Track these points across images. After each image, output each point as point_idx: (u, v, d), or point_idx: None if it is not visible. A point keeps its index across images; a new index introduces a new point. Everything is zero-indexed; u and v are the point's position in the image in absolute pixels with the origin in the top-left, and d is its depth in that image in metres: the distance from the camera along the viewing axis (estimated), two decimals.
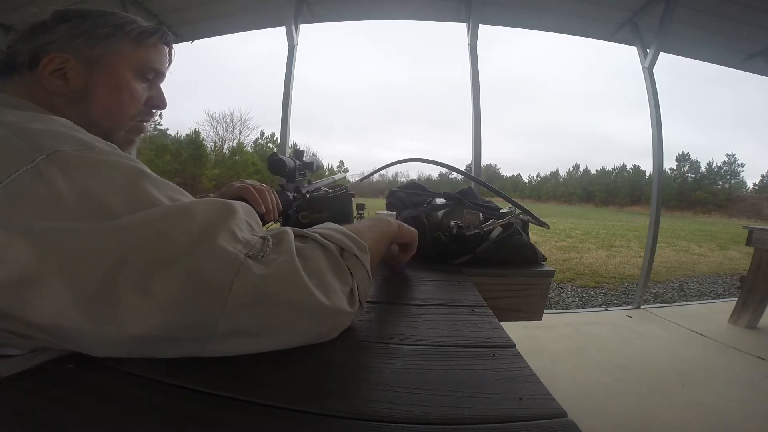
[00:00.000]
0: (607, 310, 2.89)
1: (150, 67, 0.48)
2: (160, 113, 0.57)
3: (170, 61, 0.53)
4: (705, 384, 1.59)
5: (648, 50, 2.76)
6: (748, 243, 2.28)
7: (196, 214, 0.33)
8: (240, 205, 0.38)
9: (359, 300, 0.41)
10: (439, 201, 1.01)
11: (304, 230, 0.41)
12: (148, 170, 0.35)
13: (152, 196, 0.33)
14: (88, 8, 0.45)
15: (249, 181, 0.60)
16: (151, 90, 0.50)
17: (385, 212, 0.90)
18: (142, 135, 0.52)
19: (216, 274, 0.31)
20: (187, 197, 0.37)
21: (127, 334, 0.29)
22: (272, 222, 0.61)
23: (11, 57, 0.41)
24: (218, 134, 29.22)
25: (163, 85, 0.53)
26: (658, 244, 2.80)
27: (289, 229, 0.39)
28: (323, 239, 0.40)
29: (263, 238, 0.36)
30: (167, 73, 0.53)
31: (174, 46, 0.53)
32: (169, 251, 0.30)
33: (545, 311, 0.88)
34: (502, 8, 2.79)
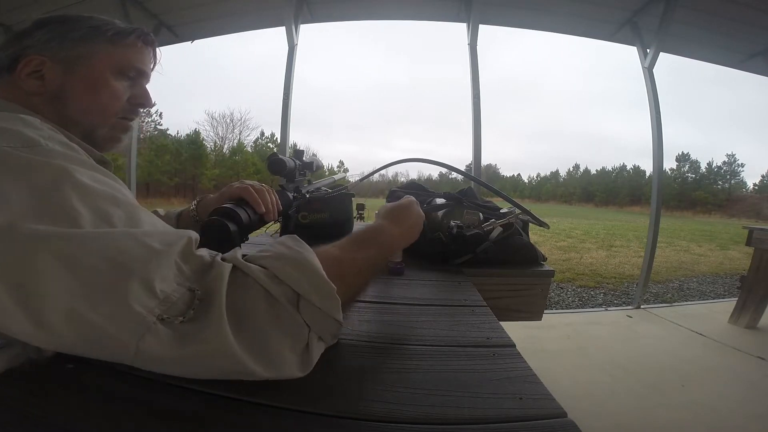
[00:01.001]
0: (607, 310, 2.89)
1: (130, 66, 0.49)
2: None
3: (155, 61, 0.54)
4: (705, 384, 1.59)
5: (648, 50, 2.76)
6: (748, 243, 2.28)
7: (107, 249, 0.28)
8: (178, 239, 0.32)
9: (314, 357, 0.34)
10: (439, 201, 1.01)
11: (252, 267, 0.33)
12: (84, 176, 0.32)
13: (69, 206, 0.29)
14: (68, 14, 0.47)
15: (249, 182, 0.60)
16: (135, 88, 0.51)
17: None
18: (127, 133, 0.52)
19: (119, 330, 0.27)
20: (123, 211, 0.32)
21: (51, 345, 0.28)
22: (272, 222, 0.61)
23: None
24: (218, 134, 29.27)
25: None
26: (658, 244, 2.80)
27: (226, 272, 0.31)
28: (272, 283, 0.32)
29: (192, 290, 0.30)
30: (153, 73, 0.53)
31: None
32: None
33: (545, 311, 0.88)
34: (502, 8, 2.79)
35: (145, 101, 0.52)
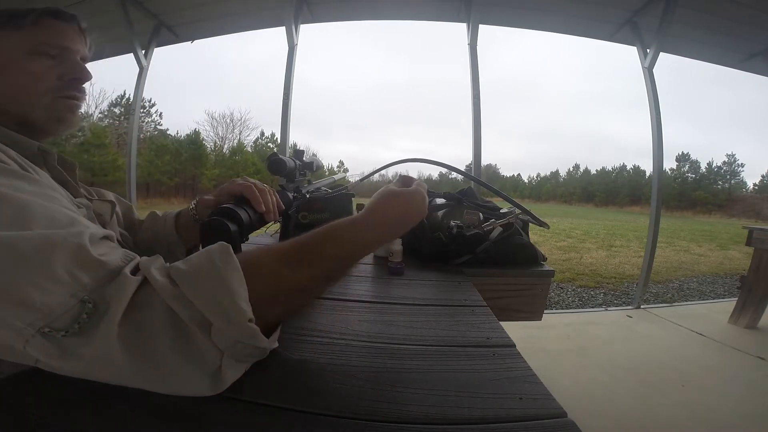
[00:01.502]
0: (607, 310, 2.89)
1: (42, 43, 0.46)
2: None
3: (84, 35, 0.52)
4: (705, 384, 1.59)
5: (648, 50, 2.76)
6: (748, 243, 2.28)
7: None
8: (69, 242, 0.29)
9: (229, 378, 0.31)
10: (439, 201, 1.01)
11: (161, 282, 0.30)
12: None
13: None
14: None
15: (252, 180, 0.59)
16: (63, 66, 0.48)
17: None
18: (74, 111, 0.50)
19: (4, 337, 0.26)
20: (9, 209, 0.30)
21: None
22: (272, 222, 0.61)
23: None
24: (218, 134, 29.27)
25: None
26: (658, 244, 2.80)
27: (128, 287, 0.29)
28: (179, 305, 0.29)
29: (83, 301, 0.27)
30: (78, 47, 0.50)
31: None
32: None
33: (545, 311, 0.88)
34: (502, 8, 2.79)
35: (79, 74, 0.49)
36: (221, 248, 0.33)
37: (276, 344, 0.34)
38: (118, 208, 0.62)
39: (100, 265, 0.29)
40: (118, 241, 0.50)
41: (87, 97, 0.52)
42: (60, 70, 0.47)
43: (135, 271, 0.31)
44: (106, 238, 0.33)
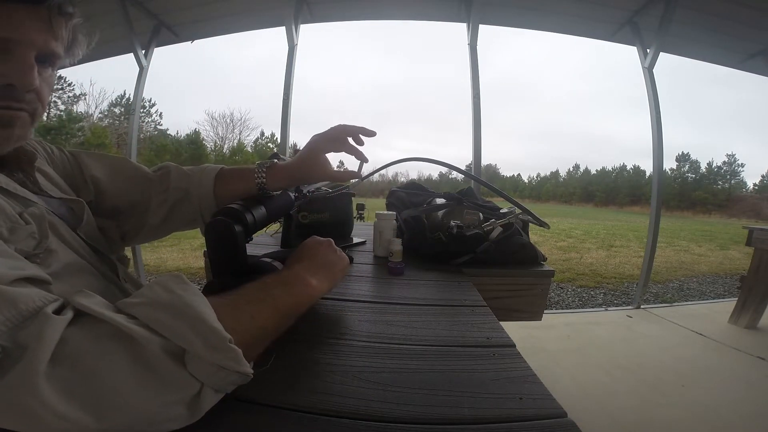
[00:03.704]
0: (607, 310, 2.89)
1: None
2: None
3: (61, 22, 0.39)
4: (705, 384, 1.59)
5: (648, 50, 2.76)
6: (748, 243, 2.28)
7: None
8: None
9: (205, 408, 0.28)
10: (439, 201, 1.01)
11: (114, 317, 0.27)
12: None
13: None
14: None
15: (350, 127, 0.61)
16: (4, 64, 0.36)
17: (386, 212, 0.90)
18: (7, 124, 0.38)
19: None
20: None
21: None
22: (273, 223, 0.60)
23: None
24: (218, 134, 29.29)
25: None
26: (658, 244, 2.80)
27: (48, 329, 0.24)
28: (143, 335, 0.26)
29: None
30: (37, 38, 0.37)
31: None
32: None
33: (545, 311, 0.88)
34: (502, 8, 2.79)
35: (14, 78, 0.36)
36: (174, 277, 0.31)
37: (251, 372, 0.30)
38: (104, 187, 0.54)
39: (12, 309, 0.25)
40: (82, 238, 0.44)
41: (43, 107, 0.41)
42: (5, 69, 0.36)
43: (60, 310, 0.27)
44: (23, 279, 0.28)
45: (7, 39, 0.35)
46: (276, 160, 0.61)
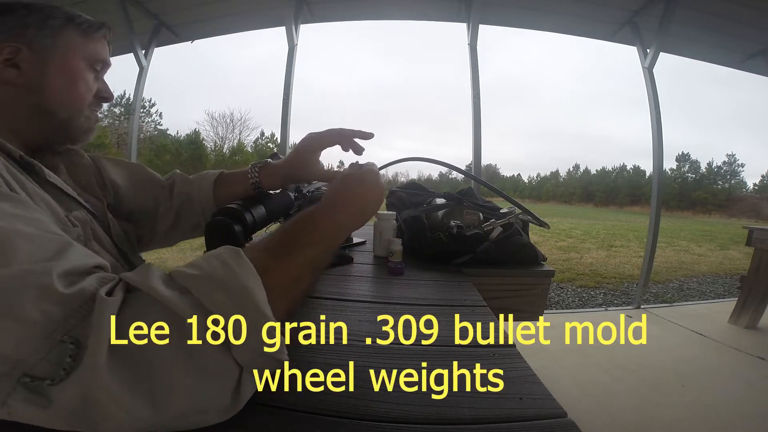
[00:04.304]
0: (607, 310, 2.89)
1: (98, 59, 0.48)
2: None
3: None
4: (705, 384, 1.59)
5: (648, 50, 2.76)
6: (748, 243, 2.28)
7: None
8: (36, 278, 0.24)
9: (244, 399, 0.28)
10: (439, 201, 1.01)
11: (166, 294, 0.26)
12: None
13: None
14: (30, 1, 0.45)
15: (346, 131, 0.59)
16: (100, 83, 0.50)
17: (386, 212, 0.90)
18: (95, 126, 0.50)
19: None
20: None
21: None
22: (274, 222, 0.60)
23: None
24: (218, 134, 29.25)
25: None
26: (658, 244, 2.80)
27: (106, 310, 0.24)
28: (193, 311, 0.26)
29: (62, 342, 0.23)
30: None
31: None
32: None
33: (545, 311, 0.88)
34: (502, 8, 2.79)
35: (108, 95, 0.51)
36: (232, 251, 0.31)
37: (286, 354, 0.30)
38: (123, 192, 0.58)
39: (76, 297, 0.25)
40: (114, 244, 0.49)
41: None
42: (97, 86, 0.49)
43: (111, 292, 0.27)
44: (90, 267, 0.29)
45: (108, 66, 0.50)
46: (269, 160, 0.63)
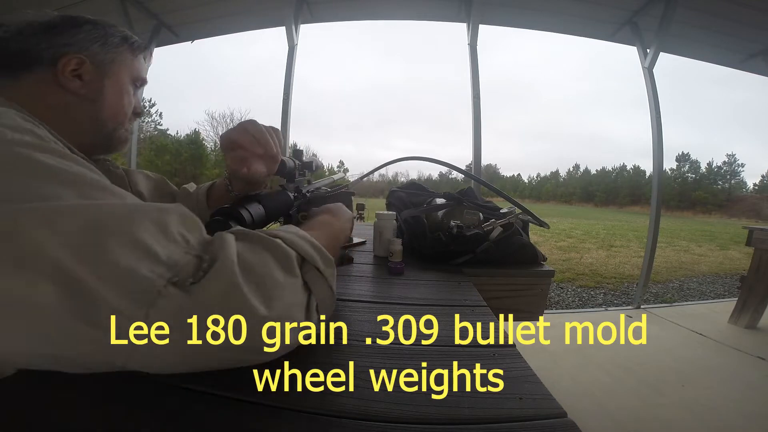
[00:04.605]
0: (607, 310, 2.89)
1: (140, 77, 0.54)
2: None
3: None
4: (705, 384, 1.59)
5: (648, 50, 2.76)
6: (748, 243, 2.28)
7: (101, 217, 0.26)
8: (175, 210, 0.31)
9: (317, 317, 0.37)
10: (439, 201, 1.01)
11: (255, 231, 0.35)
12: (63, 164, 0.30)
13: (52, 188, 0.27)
14: (90, 17, 0.49)
15: (250, 125, 0.51)
16: (136, 99, 0.55)
17: (386, 212, 0.90)
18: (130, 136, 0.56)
19: (119, 303, 0.24)
20: (108, 193, 0.31)
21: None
22: (274, 222, 0.60)
23: (23, 54, 0.43)
24: (218, 134, 29.19)
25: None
26: (658, 244, 2.80)
27: (229, 238, 0.32)
28: (280, 242, 0.35)
29: (198, 256, 0.29)
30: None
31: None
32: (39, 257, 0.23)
33: (545, 311, 0.88)
34: (502, 8, 2.79)
35: (141, 110, 0.57)
36: (288, 225, 0.43)
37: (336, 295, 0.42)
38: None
39: (201, 231, 0.33)
40: None
41: None
42: (134, 102, 0.54)
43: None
44: None
45: (144, 80, 0.55)
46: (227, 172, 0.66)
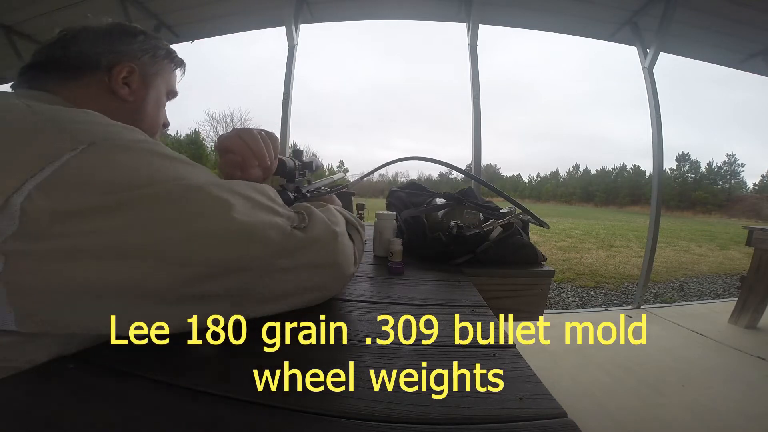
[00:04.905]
0: (607, 310, 2.89)
1: (173, 91, 0.56)
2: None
3: None
4: (705, 384, 1.59)
5: (648, 50, 2.76)
6: (748, 243, 2.28)
7: (243, 191, 0.38)
8: (269, 189, 0.43)
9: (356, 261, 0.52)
10: (439, 201, 1.01)
11: (326, 206, 0.50)
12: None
13: (203, 173, 0.38)
14: (141, 27, 0.51)
15: (245, 134, 0.49)
16: (165, 111, 0.57)
17: (386, 212, 0.90)
18: None
19: (268, 237, 0.37)
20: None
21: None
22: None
23: (81, 58, 0.44)
24: (218, 134, 29.12)
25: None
26: (658, 244, 2.80)
27: (313, 209, 0.46)
28: (335, 208, 0.49)
29: (299, 213, 0.43)
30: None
31: (173, 46, 0.61)
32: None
33: (545, 311, 0.88)
34: (502, 8, 2.79)
35: (168, 123, 0.59)
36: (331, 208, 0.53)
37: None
38: None
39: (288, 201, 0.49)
40: None
41: None
42: (163, 114, 0.57)
43: None
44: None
45: (176, 94, 0.57)
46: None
